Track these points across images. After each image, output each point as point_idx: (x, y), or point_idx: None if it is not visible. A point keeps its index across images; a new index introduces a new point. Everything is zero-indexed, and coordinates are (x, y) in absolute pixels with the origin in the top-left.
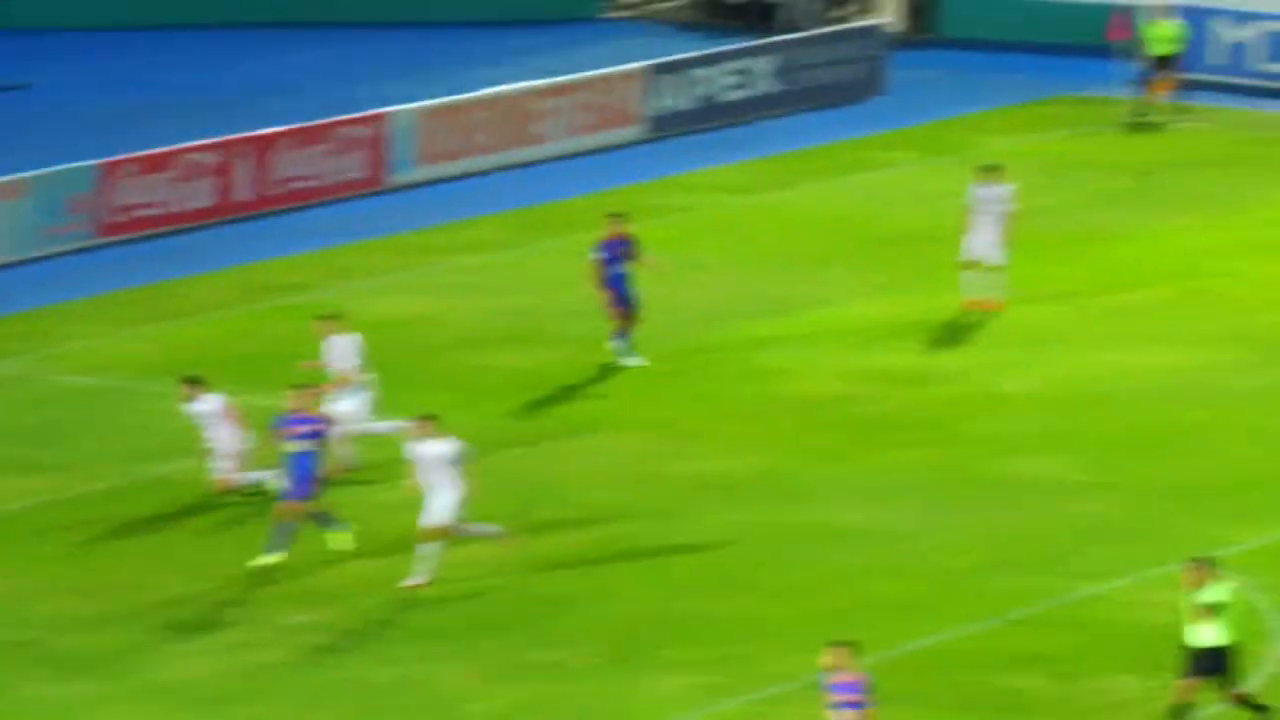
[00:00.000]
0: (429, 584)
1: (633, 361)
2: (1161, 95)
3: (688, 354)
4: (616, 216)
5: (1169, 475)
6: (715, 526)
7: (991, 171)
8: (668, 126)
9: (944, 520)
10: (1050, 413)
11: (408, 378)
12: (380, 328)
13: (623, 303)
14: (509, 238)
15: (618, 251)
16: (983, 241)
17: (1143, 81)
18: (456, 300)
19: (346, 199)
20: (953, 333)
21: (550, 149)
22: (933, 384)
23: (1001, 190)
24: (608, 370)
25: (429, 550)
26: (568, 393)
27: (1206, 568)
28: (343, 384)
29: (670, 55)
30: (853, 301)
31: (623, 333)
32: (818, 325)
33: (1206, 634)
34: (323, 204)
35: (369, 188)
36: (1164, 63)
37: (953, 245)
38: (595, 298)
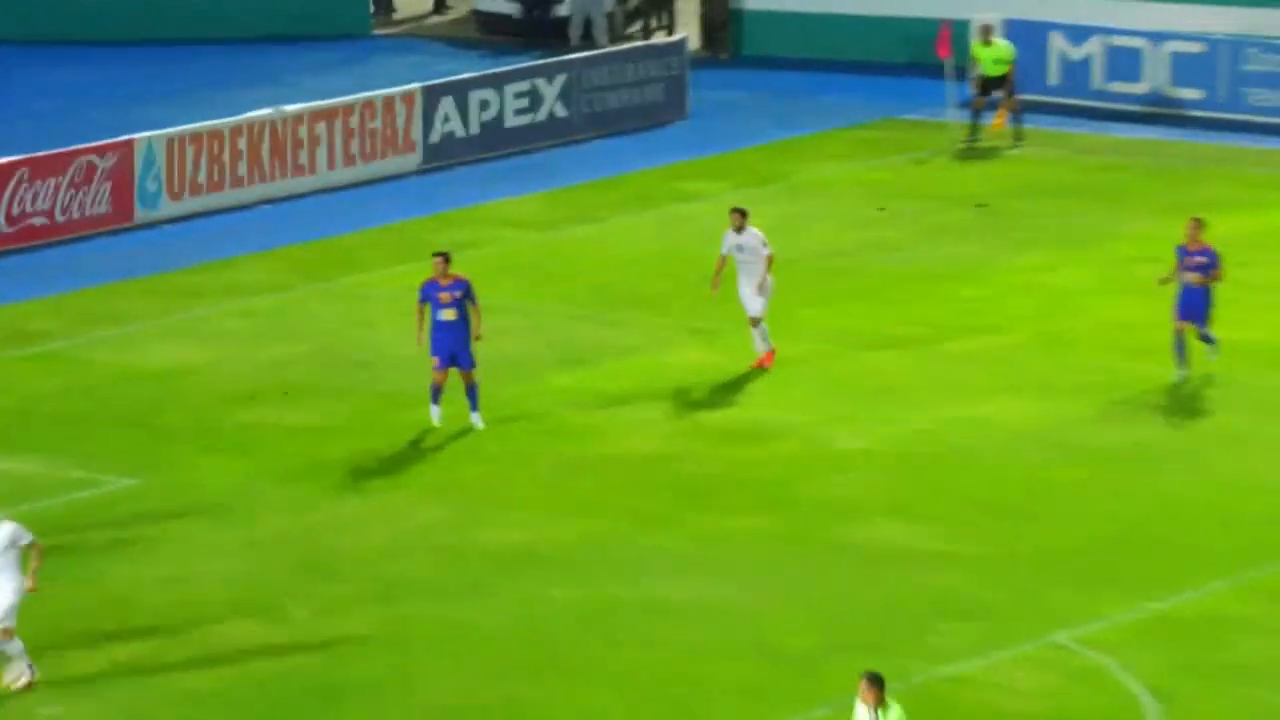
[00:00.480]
0: (34, 680)
1: (436, 415)
2: (997, 118)
3: (486, 410)
4: (442, 255)
5: (1028, 541)
6: (527, 602)
7: (740, 215)
8: (448, 154)
9: (782, 594)
10: (894, 473)
11: (168, 438)
12: (135, 382)
13: (443, 354)
14: (276, 279)
15: (435, 294)
16: (744, 292)
17: (974, 104)
18: (220, 350)
19: (91, 236)
20: (783, 384)
21: (318, 180)
22: (763, 441)
23: (751, 235)
24: (397, 428)
25: (12, 647)
26: (353, 454)
27: (882, 685)
28: None
29: (449, 75)
30: (669, 350)
31: (436, 389)
32: (630, 376)
33: None
34: (64, 242)
35: (116, 224)
36: (997, 84)
37: (776, 287)
38: (409, 345)
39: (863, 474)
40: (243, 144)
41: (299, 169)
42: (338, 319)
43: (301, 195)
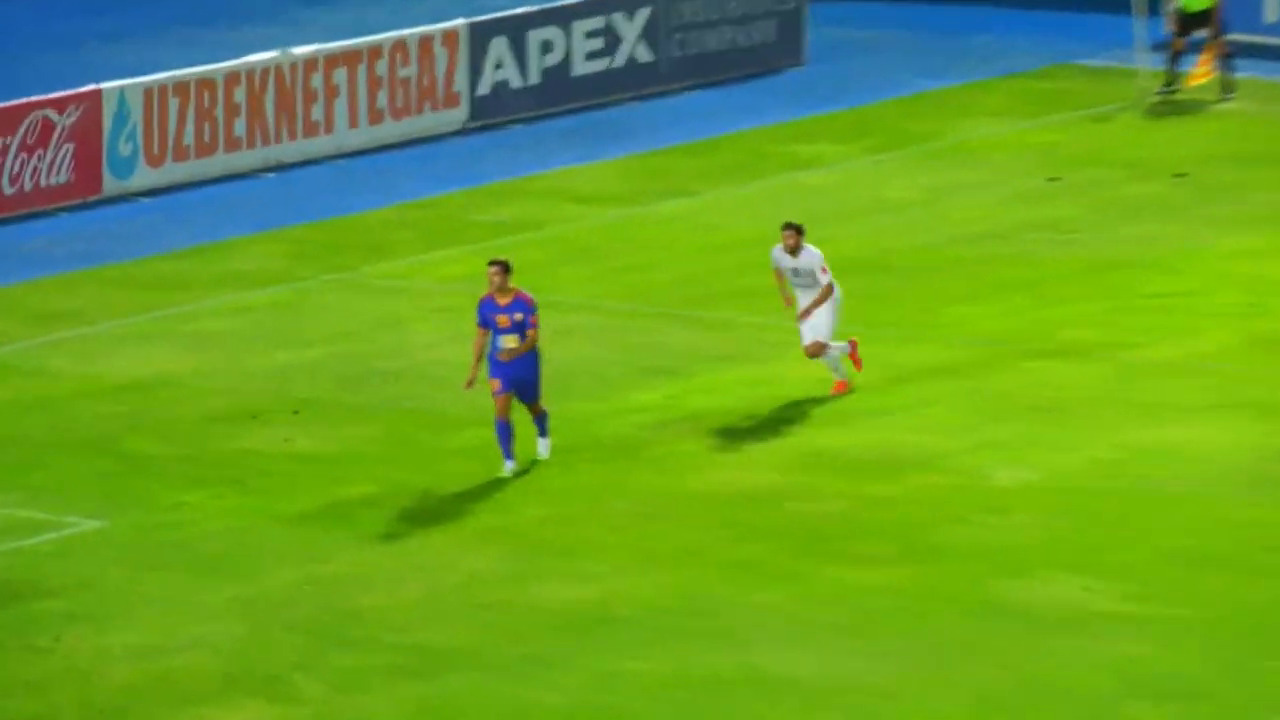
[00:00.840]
0: None
1: (509, 467)
2: (1200, 65)
3: (551, 434)
4: (499, 264)
5: (1240, 601)
6: (599, 678)
7: (795, 233)
8: (500, 109)
9: (925, 667)
10: (1067, 514)
11: (144, 469)
12: (103, 397)
13: (504, 377)
14: (283, 268)
15: (492, 316)
16: (802, 322)
17: (1171, 46)
18: (211, 356)
19: (48, 213)
20: (926, 401)
21: (336, 141)
22: (901, 473)
23: (809, 256)
24: (434, 456)
25: None
26: (379, 489)
27: None
28: None
29: (501, 9)
30: (780, 358)
31: (504, 426)
32: (731, 392)
33: None
34: (13, 220)
35: (80, 197)
36: (1200, 21)
37: (918, 278)
38: (449, 349)
39: (1027, 515)
40: (240, 95)
41: (311, 128)
42: (360, 318)
43: (315, 161)
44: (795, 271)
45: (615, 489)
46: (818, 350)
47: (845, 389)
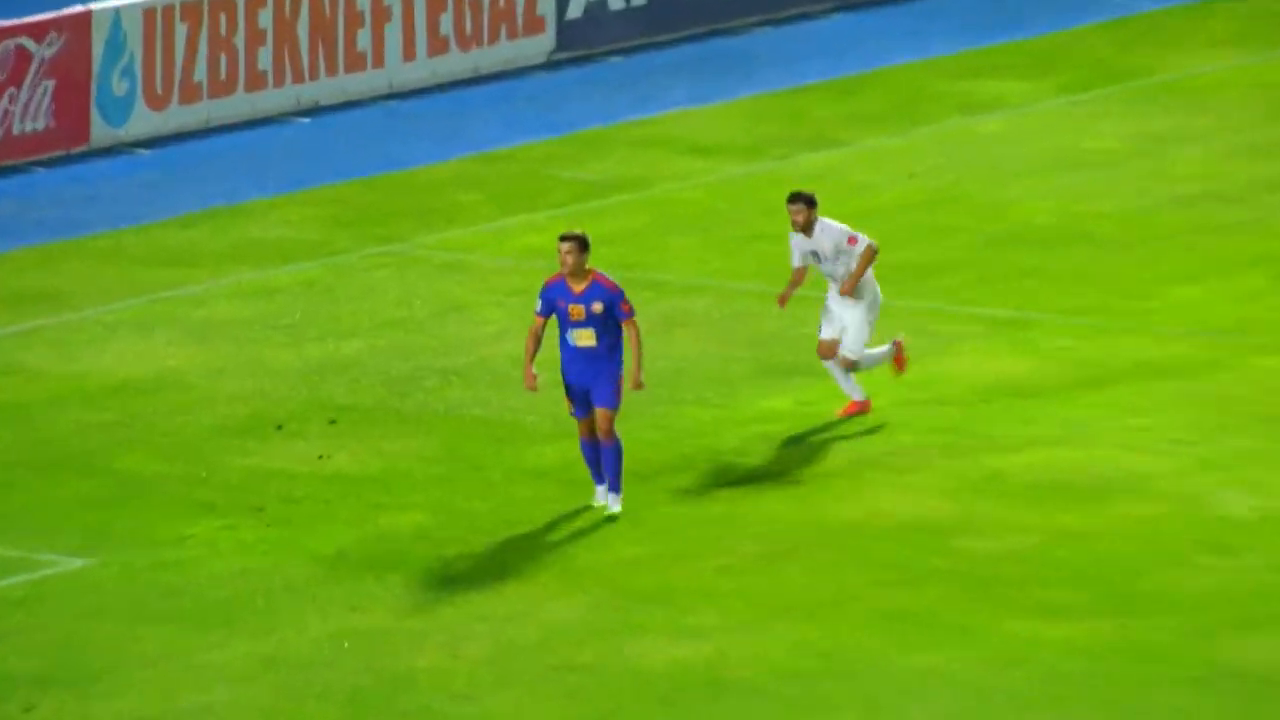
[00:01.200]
0: None
1: (600, 494)
2: None
3: (654, 448)
4: (574, 239)
5: None
6: None
7: (804, 206)
8: (594, 37)
9: None
10: None
11: (140, 492)
12: (88, 401)
13: (578, 394)
14: (316, 237)
15: (563, 305)
16: (827, 324)
17: None
18: (225, 351)
19: (22, 168)
20: (1133, 408)
21: (387, 78)
22: (1101, 500)
23: (827, 234)
24: (504, 478)
25: None
26: (436, 518)
27: None
28: None
29: None
30: (949, 352)
31: (589, 449)
32: (887, 394)
33: None
34: None
35: (62, 148)
36: None
37: (1124, 251)
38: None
39: (1262, 554)
40: (266, 19)
41: (356, 60)
42: (413, 302)
43: (360, 102)
44: (816, 256)
45: (735, 520)
46: (847, 364)
47: (859, 410)
